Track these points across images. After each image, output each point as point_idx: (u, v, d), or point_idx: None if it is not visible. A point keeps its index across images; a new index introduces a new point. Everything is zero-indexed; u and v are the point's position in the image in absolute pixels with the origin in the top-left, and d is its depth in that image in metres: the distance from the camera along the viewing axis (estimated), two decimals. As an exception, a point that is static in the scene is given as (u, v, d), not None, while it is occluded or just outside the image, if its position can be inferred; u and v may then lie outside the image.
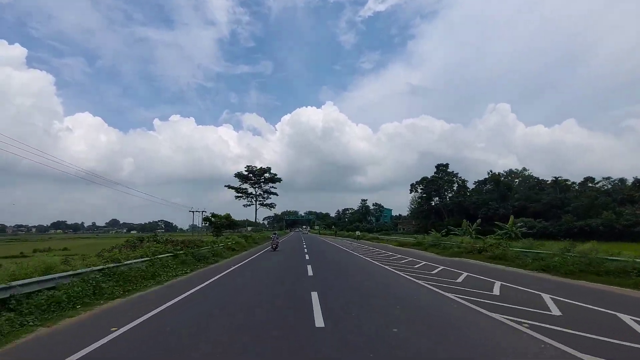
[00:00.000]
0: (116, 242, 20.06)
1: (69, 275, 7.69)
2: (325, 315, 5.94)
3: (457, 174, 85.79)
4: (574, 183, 73.20)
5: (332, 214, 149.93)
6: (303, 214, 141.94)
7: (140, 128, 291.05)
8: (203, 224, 58.68)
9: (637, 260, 10.62)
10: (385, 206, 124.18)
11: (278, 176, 68.60)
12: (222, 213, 46.58)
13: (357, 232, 52.32)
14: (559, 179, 71.61)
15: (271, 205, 69.58)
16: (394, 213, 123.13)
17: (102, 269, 8.90)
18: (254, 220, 76.40)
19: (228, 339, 4.85)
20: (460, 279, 10.55)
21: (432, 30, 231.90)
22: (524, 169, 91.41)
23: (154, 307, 6.77)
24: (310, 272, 11.87)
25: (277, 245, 25.47)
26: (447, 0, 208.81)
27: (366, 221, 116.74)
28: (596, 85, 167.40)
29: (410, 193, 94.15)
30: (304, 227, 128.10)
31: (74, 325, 5.79)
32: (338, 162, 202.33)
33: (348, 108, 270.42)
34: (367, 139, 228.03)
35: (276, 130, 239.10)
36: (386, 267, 13.89)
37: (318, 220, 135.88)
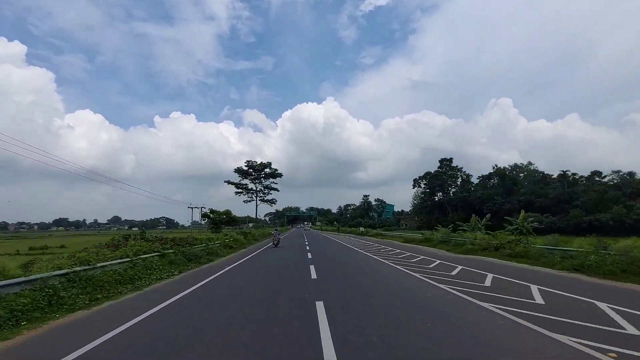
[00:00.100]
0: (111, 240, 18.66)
1: (19, 283, 6.28)
2: (337, 342, 4.42)
3: (461, 168, 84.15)
4: (581, 177, 71.50)
5: (334, 210, 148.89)
6: (304, 210, 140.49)
7: (141, 125, 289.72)
8: (202, 221, 57.34)
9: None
10: (386, 202, 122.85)
11: (279, 171, 67.13)
12: (224, 210, 45.23)
13: (361, 228, 50.66)
14: (567, 172, 69.74)
15: (272, 201, 68.24)
16: (395, 209, 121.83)
17: (67, 273, 7.49)
18: (254, 217, 75.11)
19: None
20: (487, 282, 9.10)
21: (433, 25, 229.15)
22: (530, 163, 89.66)
23: (118, 324, 5.36)
24: (313, 274, 10.43)
25: (278, 241, 25.48)
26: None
27: (368, 217, 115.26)
28: (599, 80, 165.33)
29: (413, 188, 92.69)
30: (306, 223, 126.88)
31: (3, 352, 4.37)
32: (339, 158, 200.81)
33: (349, 104, 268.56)
34: (368, 134, 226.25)
35: (277, 126, 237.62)
36: (398, 267, 12.44)
37: (319, 217, 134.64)
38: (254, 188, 66.51)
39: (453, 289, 8.08)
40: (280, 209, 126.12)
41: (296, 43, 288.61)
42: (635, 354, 3.99)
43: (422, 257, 16.37)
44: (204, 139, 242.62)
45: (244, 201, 66.83)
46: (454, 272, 11.05)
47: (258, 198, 66.59)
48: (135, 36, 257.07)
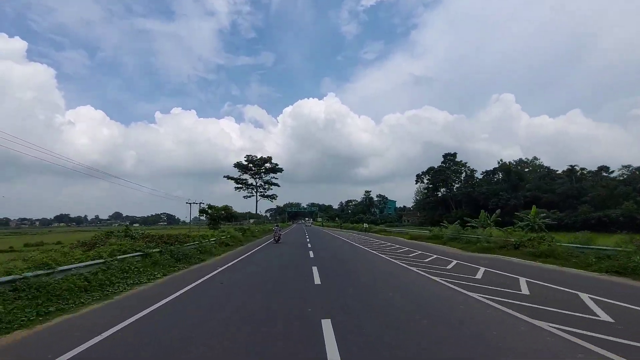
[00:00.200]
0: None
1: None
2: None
3: (465, 163, 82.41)
4: (589, 172, 69.77)
5: (335, 206, 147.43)
6: (305, 206, 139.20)
7: (141, 121, 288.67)
8: (199, 216, 55.98)
9: None
10: (388, 198, 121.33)
11: (279, 166, 65.59)
12: (223, 205, 43.78)
13: (365, 224, 49.10)
14: (575, 167, 68.01)
15: (272, 197, 66.77)
16: (397, 205, 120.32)
17: (13, 280, 6.05)
18: (255, 212, 73.75)
19: None
20: (524, 289, 7.63)
21: (435, 20, 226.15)
22: (535, 158, 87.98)
23: (59, 351, 3.92)
24: (316, 279, 8.94)
25: (279, 237, 25.47)
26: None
27: (370, 213, 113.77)
28: (601, 75, 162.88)
29: (416, 184, 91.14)
30: (307, 219, 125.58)
31: None
32: (340, 154, 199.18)
33: (350, 99, 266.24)
34: (369, 130, 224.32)
35: (278, 122, 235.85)
36: (413, 269, 10.97)
37: (321, 212, 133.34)
38: (254, 183, 65.05)
39: (488, 298, 6.61)
40: (281, 205, 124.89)
41: (297, 38, 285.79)
42: None
43: (435, 256, 14.92)
44: (204, 135, 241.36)
45: (244, 197, 65.42)
46: (478, 275, 9.59)
47: (258, 193, 65.18)
48: (135, 32, 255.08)
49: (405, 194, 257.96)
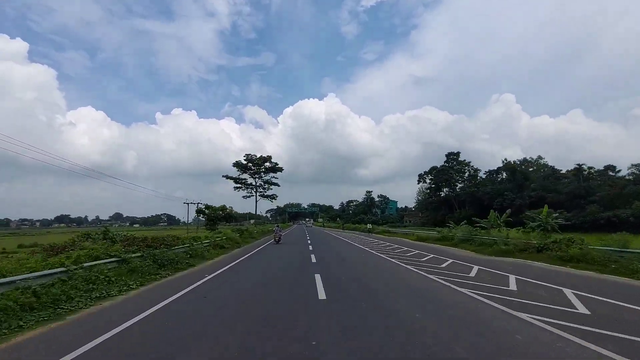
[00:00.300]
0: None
1: None
2: None
3: (469, 162, 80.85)
4: (596, 171, 68.20)
5: (336, 207, 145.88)
6: (306, 207, 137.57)
7: (142, 122, 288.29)
8: (197, 217, 54.54)
9: None
10: (389, 198, 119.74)
11: (279, 165, 64.03)
12: (220, 205, 42.30)
13: (369, 225, 47.38)
14: (582, 166, 66.42)
15: (272, 197, 65.17)
16: (398, 205, 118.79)
17: None
18: (254, 213, 72.24)
19: None
20: (579, 307, 6.10)
21: (435, 20, 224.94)
22: (539, 157, 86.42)
23: None
24: (321, 292, 7.44)
25: (280, 237, 25.29)
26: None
27: (371, 213, 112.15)
28: (602, 75, 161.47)
29: (418, 184, 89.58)
30: (307, 219, 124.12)
31: None
32: (341, 154, 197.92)
33: (350, 100, 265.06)
34: (369, 130, 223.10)
35: (278, 122, 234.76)
36: (430, 276, 9.48)
37: (321, 213, 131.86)
38: (254, 183, 63.52)
39: (547, 322, 5.11)
40: (282, 206, 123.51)
41: (297, 39, 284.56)
42: None
43: (451, 260, 13.42)
44: (205, 136, 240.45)
45: (243, 197, 63.84)
46: (511, 286, 8.09)
47: (258, 193, 63.65)
48: (136, 32, 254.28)
49: (405, 194, 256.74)
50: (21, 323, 5.20)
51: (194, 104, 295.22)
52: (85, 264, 8.03)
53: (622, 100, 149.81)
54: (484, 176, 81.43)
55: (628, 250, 11.18)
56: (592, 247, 12.56)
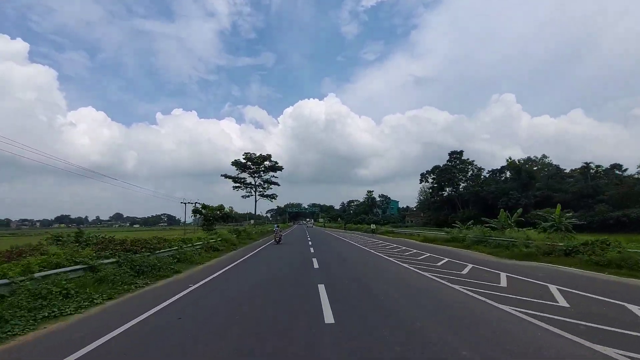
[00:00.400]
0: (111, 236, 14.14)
1: None
2: None
3: (472, 161, 79.33)
4: (603, 170, 66.68)
5: (337, 206, 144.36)
6: (306, 207, 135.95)
7: (143, 122, 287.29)
8: (193, 216, 53.04)
9: None
10: (390, 198, 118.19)
11: (279, 164, 62.46)
12: (226, 207, 40.71)
13: (372, 225, 45.72)
14: (590, 164, 64.85)
15: (272, 197, 63.54)
16: (399, 205, 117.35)
17: None
18: (254, 213, 70.69)
19: None
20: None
21: (435, 20, 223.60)
22: (544, 156, 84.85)
23: None
24: (327, 312, 5.86)
25: (280, 238, 25.24)
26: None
27: (372, 213, 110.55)
28: (603, 74, 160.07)
29: (420, 183, 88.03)
30: (308, 220, 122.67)
31: None
32: (341, 154, 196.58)
33: (351, 100, 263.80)
34: (369, 130, 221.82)
35: (278, 122, 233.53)
36: (455, 286, 8.00)
37: (322, 213, 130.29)
38: (253, 182, 61.97)
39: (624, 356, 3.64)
40: (282, 206, 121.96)
41: (297, 39, 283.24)
42: None
43: (470, 265, 11.93)
44: (205, 136, 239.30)
45: (242, 196, 62.26)
46: (559, 301, 6.59)
47: (257, 193, 62.11)
48: (136, 33, 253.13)
49: (405, 194, 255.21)
50: None
51: (194, 104, 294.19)
52: (38, 274, 6.55)
53: (622, 100, 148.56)
54: (487, 175, 79.96)
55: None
56: (631, 250, 11.06)
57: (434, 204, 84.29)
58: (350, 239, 30.16)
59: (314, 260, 13.64)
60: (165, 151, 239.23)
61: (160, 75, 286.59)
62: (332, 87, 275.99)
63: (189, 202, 53.63)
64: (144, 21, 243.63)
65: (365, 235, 37.29)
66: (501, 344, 4.22)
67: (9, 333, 4.84)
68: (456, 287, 7.93)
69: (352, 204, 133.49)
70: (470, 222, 31.85)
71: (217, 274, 10.55)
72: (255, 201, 62.13)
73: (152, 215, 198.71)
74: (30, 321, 5.32)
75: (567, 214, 30.80)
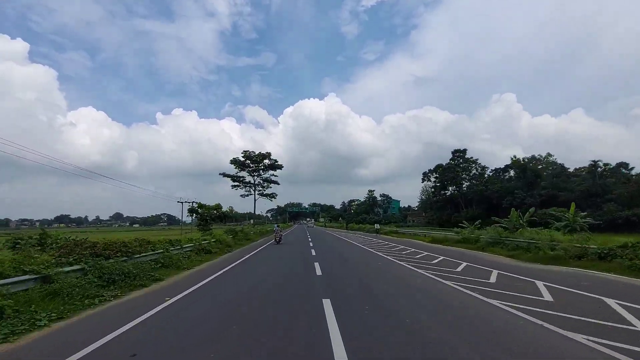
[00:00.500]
0: (104, 237, 12.52)
1: None
2: None
3: (476, 160, 77.77)
4: (610, 169, 65.18)
5: (337, 206, 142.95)
6: (307, 206, 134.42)
7: (143, 122, 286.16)
8: (189, 216, 51.51)
9: None
10: (392, 197, 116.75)
11: (279, 162, 60.93)
12: (226, 206, 39.17)
13: (376, 225, 44.08)
14: (598, 162, 63.30)
15: (272, 196, 62.04)
16: (400, 205, 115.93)
17: None
18: (254, 213, 69.19)
19: None
20: None
21: (435, 20, 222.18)
22: (549, 155, 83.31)
23: None
24: (334, 332, 4.40)
25: (280, 238, 25.16)
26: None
27: (373, 213, 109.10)
28: (603, 74, 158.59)
29: (423, 182, 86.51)
30: (308, 219, 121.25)
31: None
32: (341, 154, 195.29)
33: (351, 100, 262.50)
34: (370, 130, 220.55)
35: (279, 122, 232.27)
36: (493, 302, 6.50)
37: (323, 212, 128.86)
38: (252, 181, 60.45)
39: None
40: (282, 205, 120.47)
41: (298, 39, 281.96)
42: None
43: (495, 271, 10.43)
44: (205, 136, 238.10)
45: (241, 195, 60.79)
46: (636, 324, 5.12)
47: (257, 192, 60.60)
48: (136, 33, 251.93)
49: (406, 194, 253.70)
50: None
51: (194, 104, 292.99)
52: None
53: (622, 100, 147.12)
54: (490, 174, 78.46)
55: None
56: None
57: (437, 203, 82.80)
58: (352, 240, 28.66)
59: (317, 265, 12.09)
60: (165, 151, 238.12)
61: (161, 75, 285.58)
62: (333, 87, 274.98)
63: (185, 201, 52.22)
64: (144, 21, 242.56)
65: (368, 236, 35.77)
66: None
67: None
68: (495, 303, 6.42)
69: (353, 203, 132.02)
70: (477, 222, 30.48)
71: (203, 282, 8.96)
72: (255, 200, 60.63)
73: (152, 215, 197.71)
74: None
75: (581, 214, 29.24)
